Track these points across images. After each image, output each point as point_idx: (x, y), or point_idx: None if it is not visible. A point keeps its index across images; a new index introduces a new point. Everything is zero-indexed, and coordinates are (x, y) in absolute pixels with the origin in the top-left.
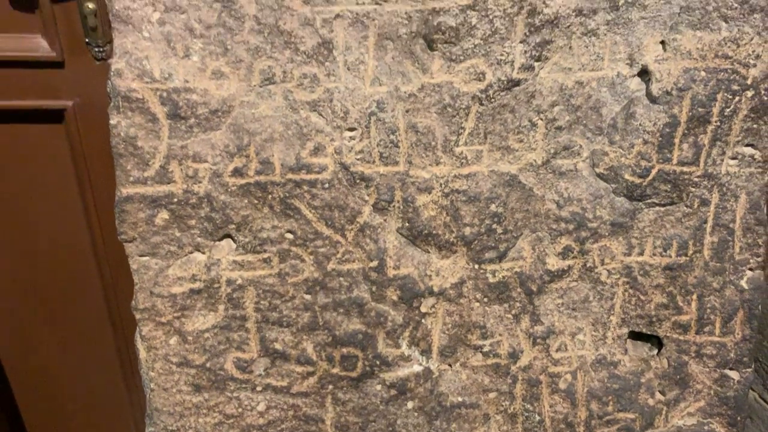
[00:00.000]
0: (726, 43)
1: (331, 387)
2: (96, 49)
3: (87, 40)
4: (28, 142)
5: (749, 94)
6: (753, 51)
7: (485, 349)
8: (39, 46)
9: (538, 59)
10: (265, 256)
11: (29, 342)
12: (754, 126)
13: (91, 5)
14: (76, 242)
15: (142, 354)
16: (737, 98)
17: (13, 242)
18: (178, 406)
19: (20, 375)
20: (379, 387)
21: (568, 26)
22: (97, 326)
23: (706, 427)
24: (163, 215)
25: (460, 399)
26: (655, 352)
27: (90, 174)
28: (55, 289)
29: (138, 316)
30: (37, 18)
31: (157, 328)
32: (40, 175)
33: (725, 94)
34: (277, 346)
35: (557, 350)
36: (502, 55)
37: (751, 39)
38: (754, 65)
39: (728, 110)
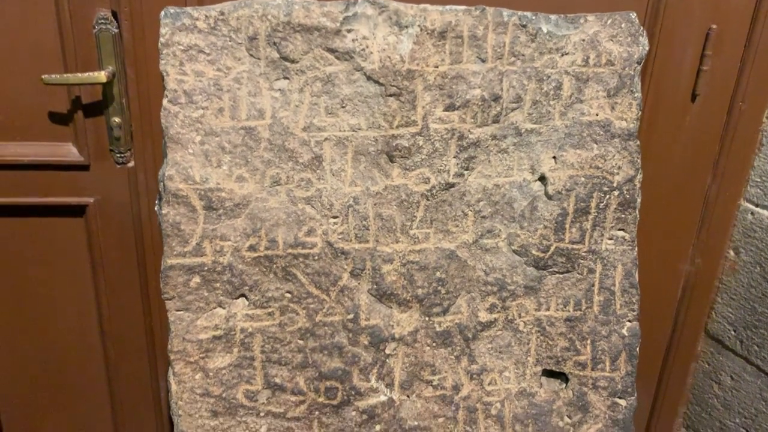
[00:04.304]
0: (597, 158)
1: (317, 413)
2: (118, 155)
3: (111, 147)
4: (52, 232)
5: (616, 193)
6: (615, 164)
7: (434, 383)
8: (70, 152)
9: (467, 169)
10: (270, 310)
11: (34, 425)
12: (622, 216)
13: (117, 119)
14: (84, 326)
15: (173, 387)
16: (608, 196)
17: (27, 326)
18: (199, 428)
19: None
20: (354, 413)
21: (487, 146)
22: (99, 408)
23: None
24: (196, 279)
25: (415, 423)
26: (564, 385)
27: (104, 262)
28: (62, 369)
29: (172, 357)
30: (70, 129)
31: (186, 367)
32: (60, 262)
33: (599, 193)
34: (277, 380)
35: (489, 384)
36: (441, 166)
37: (614, 156)
38: (617, 173)
39: (602, 204)
